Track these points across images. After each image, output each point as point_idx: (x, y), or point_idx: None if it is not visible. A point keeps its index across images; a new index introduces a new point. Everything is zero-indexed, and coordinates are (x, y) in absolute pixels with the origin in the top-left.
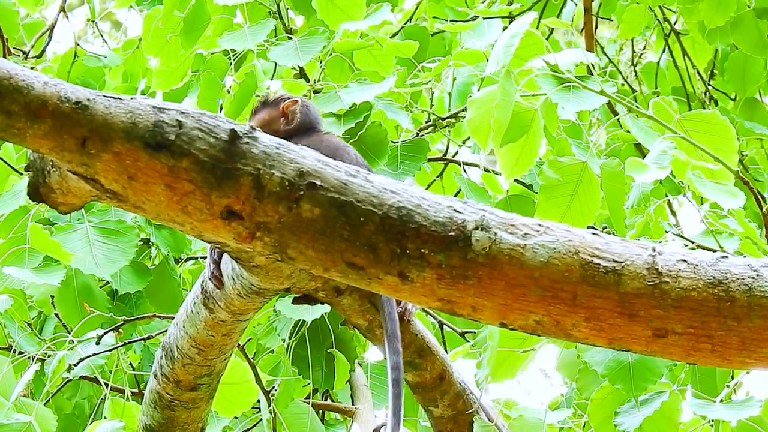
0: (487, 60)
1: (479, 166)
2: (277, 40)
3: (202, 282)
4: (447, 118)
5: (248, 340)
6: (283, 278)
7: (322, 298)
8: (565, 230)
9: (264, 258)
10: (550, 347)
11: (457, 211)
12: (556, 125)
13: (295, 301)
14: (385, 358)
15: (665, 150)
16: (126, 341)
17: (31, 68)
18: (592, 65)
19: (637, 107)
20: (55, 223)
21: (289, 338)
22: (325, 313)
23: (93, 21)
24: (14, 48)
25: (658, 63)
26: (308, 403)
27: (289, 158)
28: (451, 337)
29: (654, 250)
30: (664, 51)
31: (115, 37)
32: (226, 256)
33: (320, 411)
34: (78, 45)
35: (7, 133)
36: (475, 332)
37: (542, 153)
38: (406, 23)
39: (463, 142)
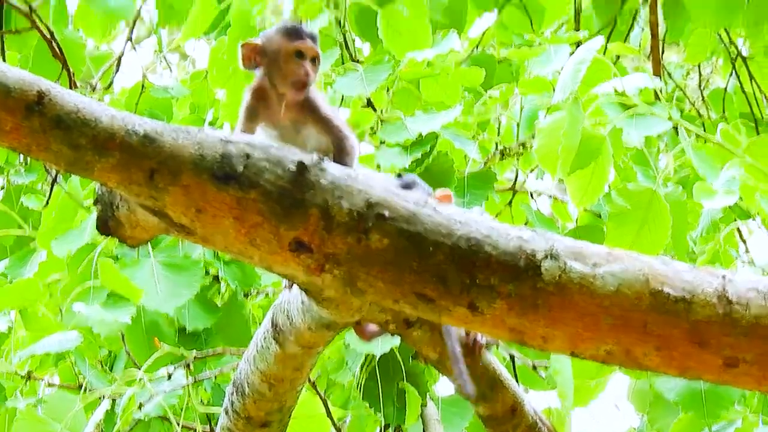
0: (553, 87)
1: (548, 195)
2: (344, 68)
3: (273, 316)
4: (515, 147)
5: (318, 375)
6: (353, 311)
7: (393, 330)
8: (634, 258)
9: (334, 290)
10: (622, 378)
11: (526, 241)
12: (622, 152)
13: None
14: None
15: (733, 176)
16: (197, 377)
17: (99, 101)
18: (659, 90)
19: (704, 133)
20: (121, 259)
21: (360, 372)
22: (396, 347)
23: (161, 52)
24: (81, 81)
25: (726, 88)
26: None
27: (357, 189)
28: (523, 370)
29: (724, 278)
30: (731, 75)
31: (183, 68)
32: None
33: None
34: (146, 77)
35: (75, 166)
36: (547, 366)
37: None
38: (473, 51)
39: (531, 171)
